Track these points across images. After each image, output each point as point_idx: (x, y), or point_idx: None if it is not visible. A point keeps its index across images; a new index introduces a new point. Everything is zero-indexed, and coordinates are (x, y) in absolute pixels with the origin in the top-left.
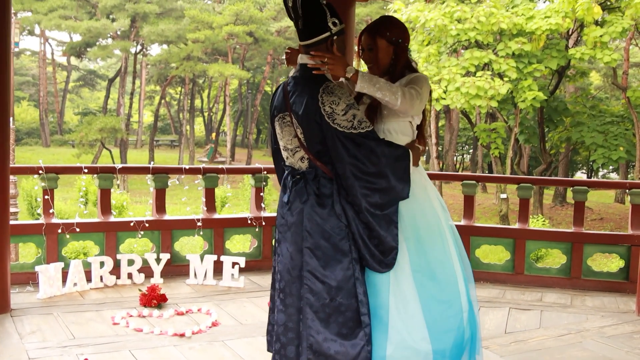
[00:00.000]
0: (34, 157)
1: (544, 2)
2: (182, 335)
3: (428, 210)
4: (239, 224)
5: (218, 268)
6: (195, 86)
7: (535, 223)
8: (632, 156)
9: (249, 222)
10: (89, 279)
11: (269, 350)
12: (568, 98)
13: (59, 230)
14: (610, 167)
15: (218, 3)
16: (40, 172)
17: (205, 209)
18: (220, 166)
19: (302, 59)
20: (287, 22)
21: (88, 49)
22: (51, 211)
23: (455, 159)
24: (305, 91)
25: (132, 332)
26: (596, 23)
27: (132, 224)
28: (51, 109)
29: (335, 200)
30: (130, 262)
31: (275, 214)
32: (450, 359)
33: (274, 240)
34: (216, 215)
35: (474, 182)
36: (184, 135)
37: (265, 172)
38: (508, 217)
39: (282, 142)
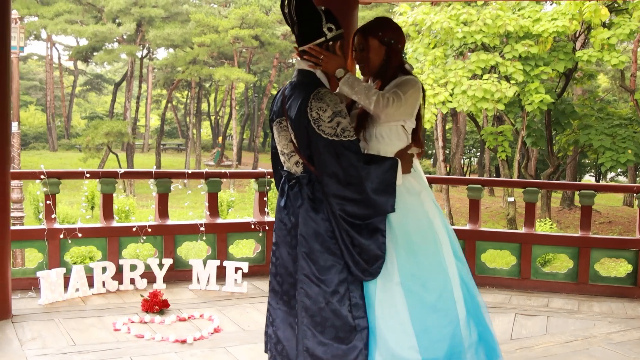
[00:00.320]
0: (41, 161)
1: (551, 4)
2: (184, 341)
3: (422, 218)
4: (242, 229)
5: (221, 273)
6: (202, 90)
7: (543, 227)
8: None
9: (253, 226)
10: (91, 285)
11: (265, 351)
12: (575, 101)
13: (61, 236)
14: (619, 170)
15: (224, 7)
16: (42, 177)
17: (208, 213)
18: (223, 170)
19: (299, 64)
20: None
21: (94, 53)
22: (53, 216)
23: (462, 162)
24: (299, 96)
25: (133, 339)
26: (603, 25)
27: (134, 229)
28: (58, 113)
29: (326, 204)
30: (133, 268)
31: None
32: None
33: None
34: (219, 220)
35: (479, 186)
36: (190, 139)
37: (268, 177)
38: (516, 220)
39: (279, 146)
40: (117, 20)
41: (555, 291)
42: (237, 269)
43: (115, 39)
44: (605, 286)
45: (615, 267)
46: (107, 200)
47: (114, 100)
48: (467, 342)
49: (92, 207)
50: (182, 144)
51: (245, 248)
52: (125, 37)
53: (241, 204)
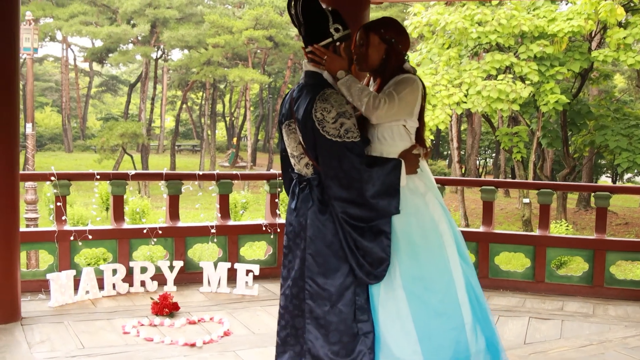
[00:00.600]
0: (56, 162)
1: (566, 4)
2: (193, 345)
3: (425, 220)
4: (253, 231)
5: (232, 276)
6: (217, 91)
7: (559, 228)
8: None
9: (264, 228)
10: (101, 287)
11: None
12: (591, 101)
13: (71, 238)
14: (635, 171)
15: (238, 8)
16: (52, 178)
17: (219, 215)
18: (234, 172)
19: (306, 65)
20: None
21: (109, 55)
22: (63, 218)
23: (477, 163)
24: (306, 97)
25: (143, 342)
26: (619, 25)
27: (145, 231)
28: (74, 115)
29: (330, 206)
30: (143, 270)
31: None
32: None
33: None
34: (230, 222)
35: (492, 187)
36: (205, 140)
37: (280, 178)
38: (531, 221)
39: (289, 149)
40: (131, 22)
41: (570, 294)
42: (248, 272)
43: (129, 40)
44: (621, 289)
45: (632, 270)
46: (118, 202)
47: (128, 102)
48: (473, 348)
49: (107, 209)
50: (197, 145)
51: (256, 250)
52: (139, 38)
53: (255, 205)
